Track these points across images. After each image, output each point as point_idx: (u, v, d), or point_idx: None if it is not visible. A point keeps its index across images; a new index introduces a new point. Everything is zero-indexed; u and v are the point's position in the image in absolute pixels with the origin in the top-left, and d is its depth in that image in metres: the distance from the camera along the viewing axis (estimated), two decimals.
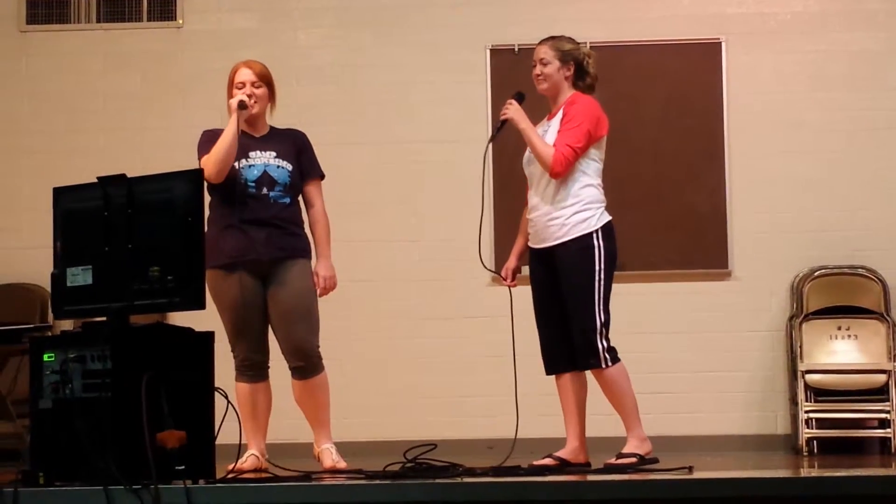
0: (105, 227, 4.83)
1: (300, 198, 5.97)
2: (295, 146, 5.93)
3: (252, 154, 5.83)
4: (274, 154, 5.86)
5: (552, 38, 5.98)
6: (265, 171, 5.82)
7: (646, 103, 8.35)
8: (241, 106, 5.80)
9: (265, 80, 5.94)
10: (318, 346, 5.87)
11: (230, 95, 5.94)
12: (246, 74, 5.92)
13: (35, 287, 8.29)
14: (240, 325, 5.80)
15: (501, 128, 5.93)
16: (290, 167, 5.87)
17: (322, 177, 6.02)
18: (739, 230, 8.33)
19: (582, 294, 5.71)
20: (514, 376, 5.91)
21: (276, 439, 6.09)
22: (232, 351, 5.85)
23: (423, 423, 7.96)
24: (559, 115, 5.86)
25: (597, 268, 5.74)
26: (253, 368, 5.85)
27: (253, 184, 5.80)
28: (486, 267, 6.13)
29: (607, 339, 5.72)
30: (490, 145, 6.10)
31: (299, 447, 6.52)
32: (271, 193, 5.82)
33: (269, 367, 5.91)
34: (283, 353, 5.87)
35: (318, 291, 5.88)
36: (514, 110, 5.85)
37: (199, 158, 5.84)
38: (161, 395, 4.60)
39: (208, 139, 5.88)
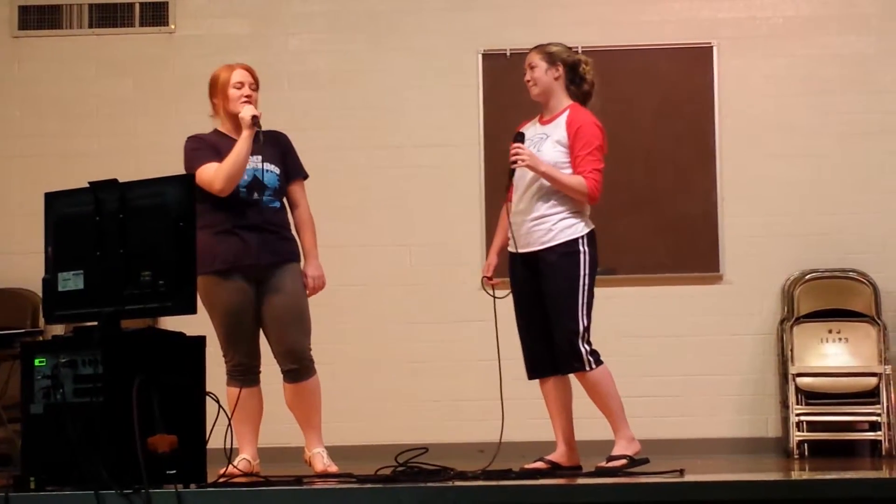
0: (97, 231, 4.83)
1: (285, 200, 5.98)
2: (280, 149, 5.92)
3: None
4: (261, 158, 5.85)
5: (539, 45, 6.00)
6: (255, 176, 5.82)
7: (637, 107, 8.36)
8: (256, 122, 5.77)
9: (258, 84, 5.95)
10: (311, 350, 5.88)
11: (224, 97, 5.86)
12: (244, 76, 5.89)
13: (26, 292, 8.29)
14: (234, 330, 5.80)
15: (513, 174, 5.88)
16: (277, 171, 5.87)
17: (306, 177, 6.03)
18: (731, 234, 8.34)
19: (566, 298, 5.73)
20: (500, 379, 5.91)
21: (267, 444, 6.09)
22: (224, 356, 5.85)
23: (415, 427, 7.96)
24: (557, 128, 5.85)
25: (582, 273, 5.76)
26: (245, 373, 5.85)
27: (244, 189, 5.79)
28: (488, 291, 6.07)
29: (589, 343, 5.74)
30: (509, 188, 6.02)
31: (291, 451, 6.53)
32: (263, 198, 5.83)
33: (260, 372, 5.91)
34: (275, 356, 5.87)
35: (308, 292, 5.89)
36: (527, 156, 5.78)
37: (191, 166, 5.77)
38: (152, 400, 4.61)
39: (198, 146, 5.84)
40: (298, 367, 5.85)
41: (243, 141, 5.74)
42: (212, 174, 5.73)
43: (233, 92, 5.87)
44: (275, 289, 5.81)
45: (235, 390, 5.84)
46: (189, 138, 5.92)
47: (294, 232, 5.97)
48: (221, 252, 5.75)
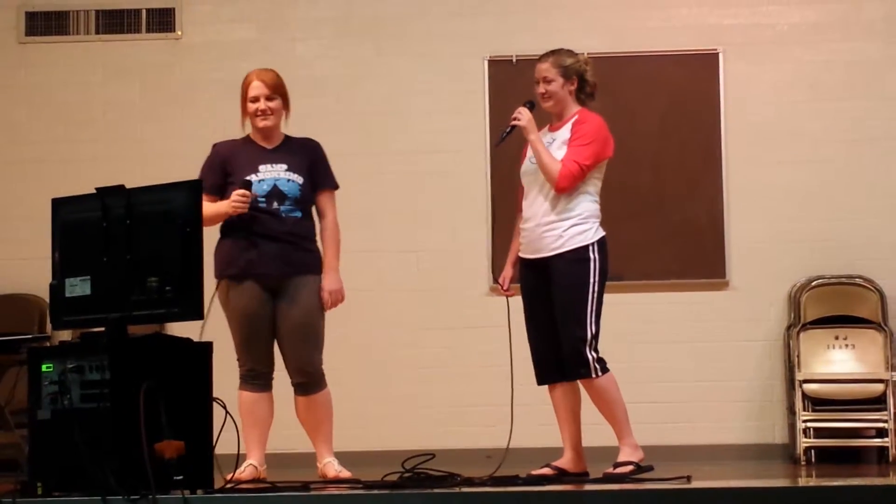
0: (104, 237, 4.84)
1: (314, 210, 5.97)
2: (307, 158, 5.92)
3: (262, 168, 5.84)
4: (285, 167, 5.86)
5: (552, 53, 5.96)
6: (275, 185, 5.82)
7: (643, 114, 8.36)
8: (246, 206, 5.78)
9: (279, 91, 5.95)
10: (322, 364, 5.89)
11: (243, 107, 5.92)
12: (259, 88, 5.91)
13: (33, 297, 8.29)
14: (247, 335, 5.81)
15: (510, 132, 5.91)
16: (300, 180, 5.87)
17: (336, 187, 6.01)
18: (737, 240, 8.34)
19: (574, 305, 5.72)
20: (511, 385, 5.92)
21: (274, 449, 6.09)
22: (238, 360, 5.86)
23: (422, 433, 7.96)
24: (565, 130, 5.86)
25: (591, 280, 5.75)
26: (258, 379, 5.85)
27: (263, 199, 5.80)
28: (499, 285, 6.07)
29: (596, 350, 5.73)
30: (498, 146, 6.04)
31: (298, 457, 6.53)
32: (282, 208, 5.83)
33: (273, 379, 5.91)
34: (286, 367, 5.88)
35: (324, 306, 5.87)
36: (526, 119, 5.83)
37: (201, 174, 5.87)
38: (159, 406, 4.61)
39: (206, 163, 5.94)
40: (307, 381, 5.87)
41: (222, 210, 5.75)
42: None
43: (249, 106, 5.92)
44: (289, 301, 5.81)
45: (246, 394, 5.84)
46: (213, 148, 6.00)
47: (320, 243, 5.96)
48: (236, 259, 5.79)
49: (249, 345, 5.81)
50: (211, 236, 5.88)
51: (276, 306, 5.82)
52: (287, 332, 5.82)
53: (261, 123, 5.90)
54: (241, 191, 5.73)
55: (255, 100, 5.90)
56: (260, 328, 5.81)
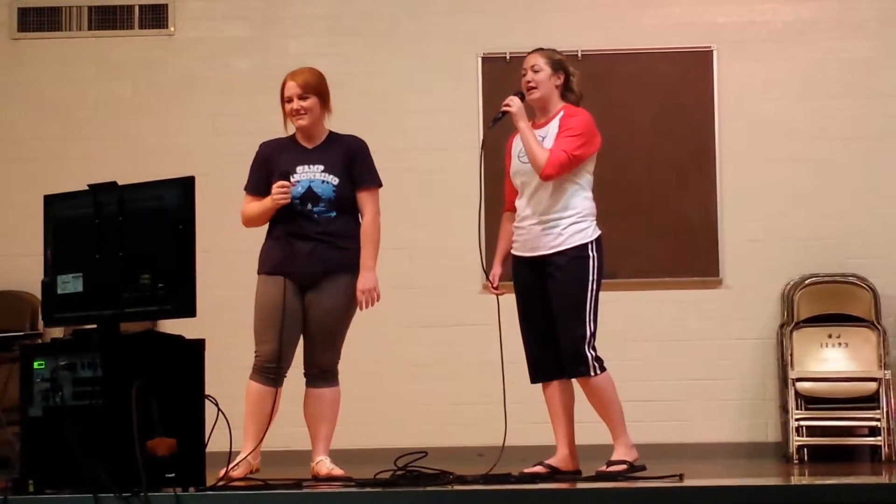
0: (96, 234, 4.84)
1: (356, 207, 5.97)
2: (346, 157, 5.92)
3: (299, 169, 5.86)
4: (322, 168, 5.87)
5: (541, 49, 6.00)
6: (309, 188, 5.83)
7: (637, 111, 8.36)
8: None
9: (313, 90, 5.93)
10: (336, 363, 5.90)
11: (282, 107, 5.96)
12: (292, 89, 5.93)
13: (25, 294, 8.28)
14: (262, 325, 5.81)
15: (501, 118, 5.91)
16: (336, 181, 5.86)
17: (378, 185, 5.99)
18: (730, 238, 8.34)
19: (574, 303, 5.73)
20: (503, 384, 5.92)
21: (269, 447, 6.07)
22: (255, 351, 5.85)
23: (415, 431, 7.95)
24: (554, 125, 5.86)
25: (590, 277, 5.77)
26: (270, 373, 5.81)
27: (298, 200, 5.82)
28: (491, 286, 6.06)
29: (594, 348, 5.74)
30: (491, 129, 6.05)
31: (293, 455, 6.52)
32: (315, 209, 5.84)
33: (284, 377, 5.88)
34: (304, 357, 5.92)
35: (359, 305, 5.87)
36: (517, 106, 5.84)
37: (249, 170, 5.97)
38: (151, 403, 4.61)
39: (253, 164, 5.97)
40: (316, 373, 5.88)
41: (267, 206, 5.82)
42: (242, 210, 5.94)
43: (285, 106, 5.95)
44: (316, 299, 5.83)
45: (255, 386, 5.81)
46: (260, 147, 6.02)
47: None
48: (271, 257, 5.85)
49: (263, 334, 5.81)
50: (253, 237, 5.95)
51: (304, 301, 5.83)
52: (309, 328, 5.85)
53: (297, 123, 5.95)
54: (281, 182, 5.79)
55: (290, 100, 5.93)
56: (275, 320, 5.77)
